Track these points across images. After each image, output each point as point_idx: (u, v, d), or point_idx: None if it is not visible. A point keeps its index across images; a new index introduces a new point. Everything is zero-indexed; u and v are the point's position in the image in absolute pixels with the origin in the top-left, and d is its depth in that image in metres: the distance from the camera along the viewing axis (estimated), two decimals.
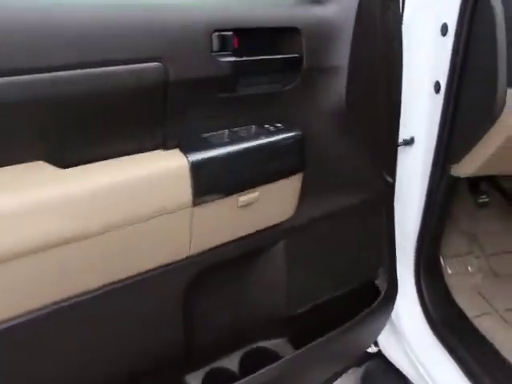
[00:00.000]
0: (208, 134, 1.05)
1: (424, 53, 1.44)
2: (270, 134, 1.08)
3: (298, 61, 1.10)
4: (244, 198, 1.05)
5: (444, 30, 1.38)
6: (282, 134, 1.09)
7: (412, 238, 1.64)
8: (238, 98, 1.07)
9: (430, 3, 1.40)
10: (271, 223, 1.16)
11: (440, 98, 1.45)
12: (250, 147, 1.04)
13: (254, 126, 1.11)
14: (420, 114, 1.51)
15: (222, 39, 1.00)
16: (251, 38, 1.06)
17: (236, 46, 1.03)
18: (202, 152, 0.98)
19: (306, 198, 1.18)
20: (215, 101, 1.04)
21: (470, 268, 1.86)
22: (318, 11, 1.12)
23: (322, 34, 1.12)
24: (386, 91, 1.31)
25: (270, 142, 1.07)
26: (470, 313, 1.67)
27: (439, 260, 1.74)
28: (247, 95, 1.08)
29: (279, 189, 1.11)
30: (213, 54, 0.99)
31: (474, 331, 1.62)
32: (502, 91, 1.27)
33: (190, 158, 0.96)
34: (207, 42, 0.97)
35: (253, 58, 1.05)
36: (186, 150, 0.97)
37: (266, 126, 1.11)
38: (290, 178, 1.12)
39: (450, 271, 1.79)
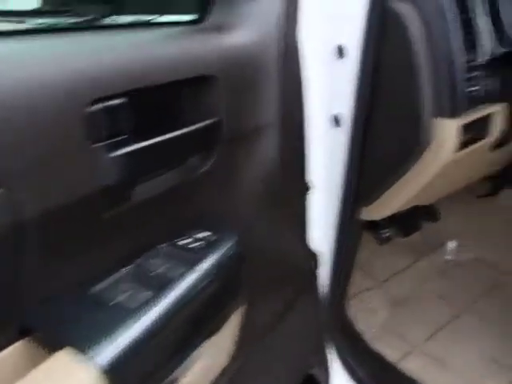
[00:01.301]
0: (101, 287, 0.62)
1: (316, 80, 1.16)
2: (197, 257, 0.68)
3: (217, 127, 0.72)
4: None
5: (340, 52, 1.11)
6: (214, 251, 0.70)
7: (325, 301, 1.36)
8: (135, 207, 0.65)
9: (322, 20, 1.11)
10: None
11: (342, 132, 1.18)
12: (182, 297, 0.62)
13: (165, 246, 0.70)
14: (316, 152, 1.23)
15: (109, 115, 0.58)
16: (148, 103, 0.65)
17: (129, 121, 0.61)
18: (113, 345, 0.54)
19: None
20: (101, 224, 0.61)
21: (370, 304, 1.69)
22: (233, 42, 0.75)
23: (246, 77, 0.76)
24: (296, 139, 1.00)
25: (206, 274, 0.66)
26: (393, 356, 1.48)
27: (346, 308, 1.51)
28: (147, 199, 0.67)
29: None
30: (94, 147, 0.56)
31: (405, 379, 1.43)
32: (427, 122, 1.05)
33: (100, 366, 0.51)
34: (83, 126, 0.54)
35: (156, 139, 0.64)
36: (85, 346, 0.52)
37: (184, 240, 0.71)
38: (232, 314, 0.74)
39: (357, 316, 1.58)
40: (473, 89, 1.12)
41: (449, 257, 1.96)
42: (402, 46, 1.06)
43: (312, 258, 1.07)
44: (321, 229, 1.27)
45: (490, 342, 1.59)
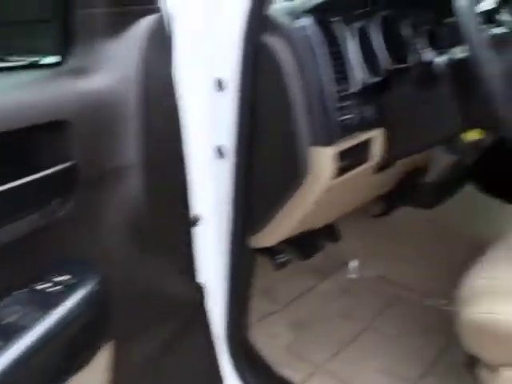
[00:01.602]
0: None
1: (198, 113, 1.18)
2: (54, 301, 0.66)
3: (72, 171, 0.72)
4: None
5: (220, 85, 1.14)
6: (73, 293, 0.69)
7: (221, 330, 1.36)
8: None
9: (201, 55, 1.13)
10: None
11: (226, 163, 1.20)
12: (34, 343, 0.61)
13: (21, 292, 0.68)
14: (202, 185, 1.24)
15: None
16: None
17: None
18: None
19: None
20: None
21: (273, 328, 1.70)
22: (89, 87, 0.75)
23: (103, 122, 0.76)
24: (173, 175, 1.01)
25: (62, 316, 0.65)
26: (297, 378, 1.49)
27: (247, 334, 1.51)
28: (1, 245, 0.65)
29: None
30: None
31: None
32: (304, 152, 1.09)
33: None
34: None
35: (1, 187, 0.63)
36: None
37: (42, 285, 0.69)
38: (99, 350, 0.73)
39: (259, 341, 1.58)
40: (346, 117, 1.18)
41: (351, 275, 2.02)
42: (275, 79, 1.10)
43: (197, 290, 1.07)
44: (211, 260, 1.27)
45: (393, 358, 1.62)
